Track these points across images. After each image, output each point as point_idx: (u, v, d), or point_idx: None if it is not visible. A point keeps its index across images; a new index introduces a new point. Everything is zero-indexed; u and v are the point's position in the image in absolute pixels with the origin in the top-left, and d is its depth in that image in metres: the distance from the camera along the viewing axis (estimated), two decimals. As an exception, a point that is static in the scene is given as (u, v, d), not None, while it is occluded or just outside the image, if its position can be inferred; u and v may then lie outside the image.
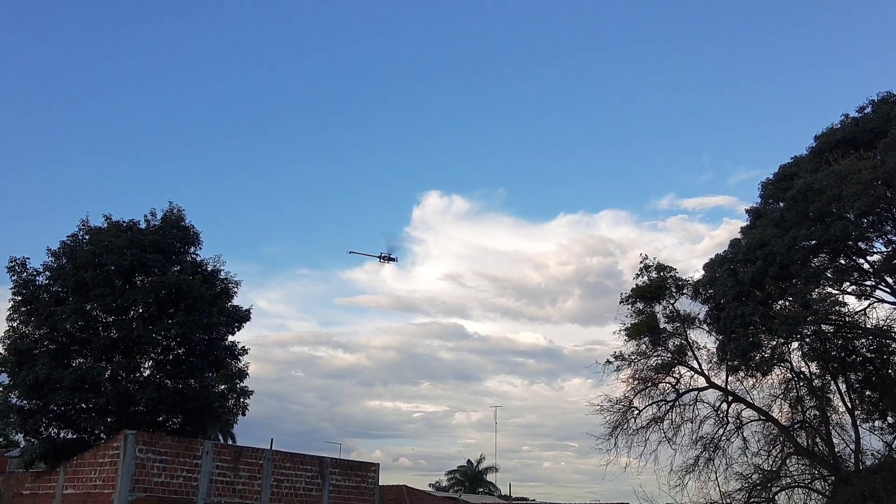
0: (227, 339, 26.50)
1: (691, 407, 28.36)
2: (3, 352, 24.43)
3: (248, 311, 27.11)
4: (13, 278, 25.21)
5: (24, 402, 24.22)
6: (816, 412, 26.78)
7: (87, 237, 25.55)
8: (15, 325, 24.98)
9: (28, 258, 25.44)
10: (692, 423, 28.10)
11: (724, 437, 27.64)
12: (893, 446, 25.98)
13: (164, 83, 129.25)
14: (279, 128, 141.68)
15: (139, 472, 20.86)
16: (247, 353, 26.94)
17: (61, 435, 24.52)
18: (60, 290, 24.98)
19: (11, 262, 25.25)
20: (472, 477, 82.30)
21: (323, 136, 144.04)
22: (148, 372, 25.04)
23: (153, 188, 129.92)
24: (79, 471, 22.21)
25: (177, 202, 30.59)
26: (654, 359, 28.70)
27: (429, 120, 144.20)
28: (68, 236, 25.68)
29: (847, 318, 25.01)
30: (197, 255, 26.96)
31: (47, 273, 25.29)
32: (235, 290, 27.11)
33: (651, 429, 28.11)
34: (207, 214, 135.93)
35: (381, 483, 28.66)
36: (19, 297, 25.11)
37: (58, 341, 24.44)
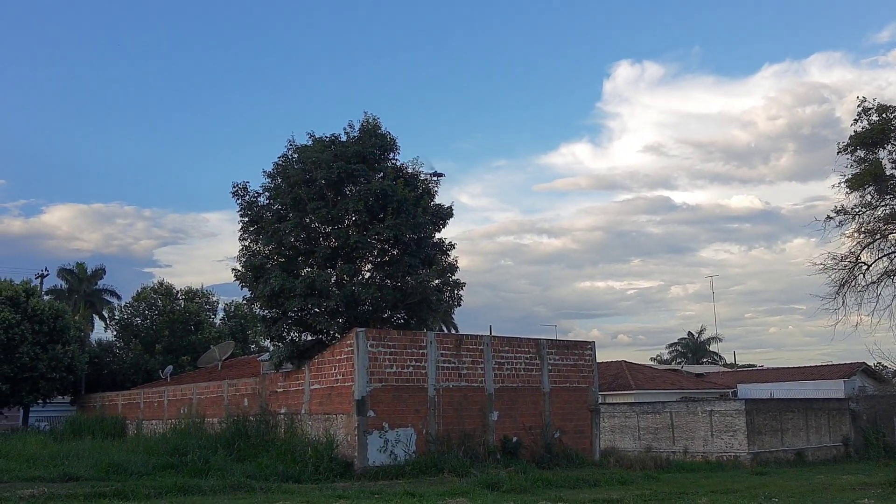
0: (434, 236, 27.60)
1: (929, 256, 26.22)
2: (240, 269, 27.07)
3: (449, 208, 27.96)
4: (238, 201, 27.63)
5: (266, 311, 26.83)
6: None
7: (296, 156, 27.24)
8: (247, 243, 27.51)
9: (248, 182, 27.78)
10: (931, 272, 26.04)
11: (970, 286, 25.42)
12: None
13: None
14: (456, 20, 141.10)
15: (373, 365, 22.65)
16: (454, 247, 27.97)
17: (301, 337, 27.00)
18: (280, 208, 27.03)
19: (234, 187, 27.63)
20: (694, 348, 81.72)
21: (502, 22, 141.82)
22: (368, 274, 26.73)
23: (344, 101, 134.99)
24: (321, 368, 24.45)
25: (371, 111, 31.78)
26: (881, 209, 26.58)
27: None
28: (280, 157, 27.55)
29: None
30: (396, 160, 27.97)
31: (266, 193, 27.45)
32: (436, 189, 28.01)
33: (883, 283, 26.38)
34: (400, 120, 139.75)
35: (598, 360, 29.21)
36: (246, 219, 27.51)
37: (285, 255, 26.65)
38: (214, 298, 54.48)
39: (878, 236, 26.63)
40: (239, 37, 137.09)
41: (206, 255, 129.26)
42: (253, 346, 52.42)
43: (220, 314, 55.29)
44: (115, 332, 52.30)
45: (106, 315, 58.96)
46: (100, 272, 59.89)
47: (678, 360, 79.21)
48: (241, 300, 41.15)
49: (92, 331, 57.77)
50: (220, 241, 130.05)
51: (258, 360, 33.49)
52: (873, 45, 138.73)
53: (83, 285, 58.68)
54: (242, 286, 27.19)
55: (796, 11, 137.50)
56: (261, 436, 24.41)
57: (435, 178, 28.14)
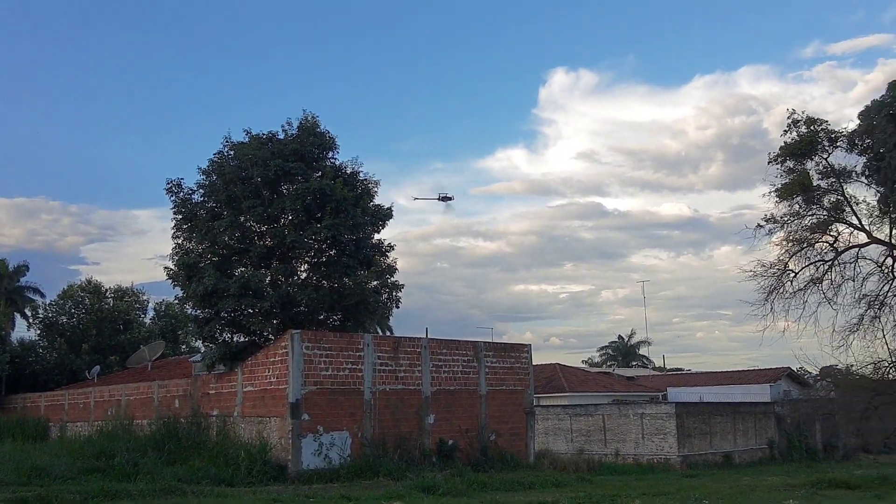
0: (373, 237, 27.42)
1: (852, 265, 27.03)
2: (173, 267, 26.43)
3: (389, 209, 27.85)
4: (172, 198, 27.07)
5: (198, 311, 26.27)
6: None
7: (231, 153, 26.77)
8: (180, 241, 26.93)
9: (182, 178, 27.19)
10: (854, 281, 26.84)
11: (889, 293, 26.32)
12: None
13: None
14: (395, 24, 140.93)
15: (308, 368, 22.32)
16: (393, 249, 27.85)
17: (234, 339, 26.54)
18: (215, 206, 26.52)
19: (168, 183, 27.06)
20: (624, 351, 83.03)
21: (440, 26, 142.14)
22: (304, 275, 26.42)
23: (282, 99, 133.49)
24: (254, 370, 24.00)
25: (309, 109, 31.41)
26: (808, 218, 27.36)
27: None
28: (215, 154, 27.10)
29: None
30: (335, 159, 27.77)
31: (201, 191, 26.91)
32: (375, 189, 27.85)
33: (809, 290, 27.10)
34: (339, 118, 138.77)
35: (533, 363, 29.38)
36: (180, 216, 26.93)
37: (219, 253, 26.15)
38: (144, 297, 53.21)
39: (805, 245, 27.41)
40: (174, 31, 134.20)
41: (135, 253, 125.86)
42: (184, 347, 51.33)
43: (151, 314, 54.01)
44: (38, 331, 50.54)
45: (29, 313, 56.88)
46: (22, 269, 57.68)
47: (609, 363, 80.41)
48: (172, 300, 40.25)
49: (13, 329, 55.66)
50: (150, 238, 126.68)
51: (190, 361, 32.79)
52: (799, 59, 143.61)
53: (4, 282, 56.38)
54: (175, 285, 26.59)
55: (727, 25, 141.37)
56: (192, 438, 23.80)
57: (446, 203, 28.94)
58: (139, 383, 31.90)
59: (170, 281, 26.60)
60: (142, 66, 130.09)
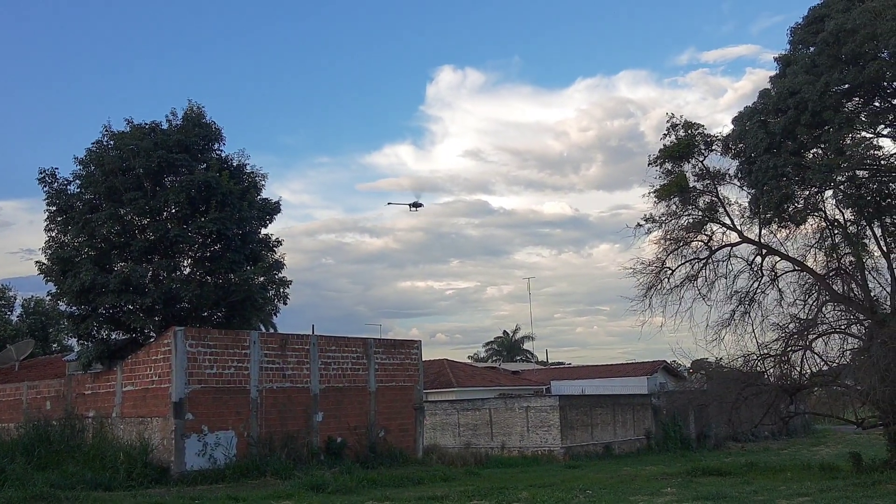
0: (260, 232, 26.83)
1: (725, 263, 28.35)
2: (46, 262, 25.06)
3: (277, 203, 27.34)
4: (45, 189, 25.62)
5: (73, 308, 25.05)
6: (852, 258, 26.67)
7: (111, 143, 25.63)
8: (54, 234, 25.55)
9: (57, 168, 25.79)
10: (726, 278, 28.15)
11: (758, 290, 27.73)
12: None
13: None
14: (282, 17, 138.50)
15: (192, 366, 21.70)
16: (281, 244, 27.31)
17: (113, 336, 25.46)
18: (93, 198, 25.31)
19: (41, 173, 25.58)
20: (509, 346, 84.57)
21: (327, 19, 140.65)
22: (188, 270, 25.61)
23: (163, 88, 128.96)
24: (135, 369, 23.13)
25: (194, 99, 30.41)
26: (684, 218, 28.49)
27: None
28: (93, 143, 25.83)
29: (882, 162, 24.56)
30: (221, 151, 27.00)
31: (78, 181, 25.62)
32: (263, 183, 27.22)
33: (685, 287, 28.23)
34: (222, 109, 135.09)
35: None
36: (54, 208, 25.55)
37: (97, 247, 24.97)
38: (11, 293, 50.25)
39: (681, 243, 28.56)
40: (44, 13, 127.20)
41: None
42: (56, 346, 48.83)
43: (18, 311, 51.06)
44: None
45: None
46: None
47: (494, 358, 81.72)
48: (43, 296, 38.16)
49: None
50: (16, 231, 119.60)
51: (64, 360, 31.24)
52: (674, 66, 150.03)
53: None
54: (48, 280, 25.21)
55: (608, 30, 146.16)
56: (65, 441, 22.75)
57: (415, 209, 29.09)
58: (5, 384, 30.20)
59: (42, 276, 25.22)
60: (3, 47, 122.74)
